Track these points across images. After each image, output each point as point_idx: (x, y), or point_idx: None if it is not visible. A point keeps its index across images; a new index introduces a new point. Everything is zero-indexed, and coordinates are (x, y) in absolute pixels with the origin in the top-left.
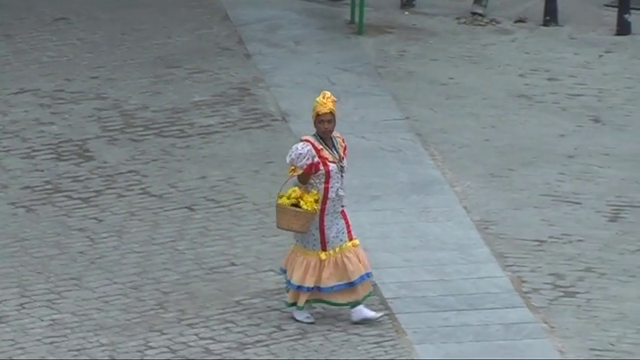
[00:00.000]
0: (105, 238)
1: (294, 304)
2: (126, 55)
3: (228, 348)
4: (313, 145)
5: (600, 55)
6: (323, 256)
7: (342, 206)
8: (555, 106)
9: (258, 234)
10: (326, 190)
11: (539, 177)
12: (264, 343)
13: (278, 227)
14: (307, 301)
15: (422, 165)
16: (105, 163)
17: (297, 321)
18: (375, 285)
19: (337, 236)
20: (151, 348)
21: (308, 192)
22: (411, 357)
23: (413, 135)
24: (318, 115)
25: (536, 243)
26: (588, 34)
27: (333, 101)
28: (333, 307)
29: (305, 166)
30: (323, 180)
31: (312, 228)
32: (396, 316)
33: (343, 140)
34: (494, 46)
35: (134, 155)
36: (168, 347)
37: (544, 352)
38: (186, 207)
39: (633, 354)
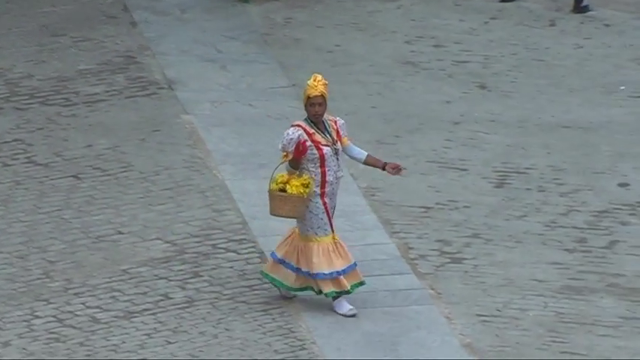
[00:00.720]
0: None
1: (339, 292)
2: (10, 23)
3: (115, 317)
4: (305, 130)
5: (486, 22)
6: (336, 237)
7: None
8: (441, 72)
9: (144, 202)
10: (323, 173)
11: (425, 144)
12: (151, 312)
13: (270, 214)
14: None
15: None
16: None
17: (340, 314)
18: (262, 253)
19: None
20: (38, 317)
21: (298, 176)
22: (299, 325)
23: (299, 102)
24: (309, 97)
25: (423, 209)
26: (474, 0)
27: (325, 84)
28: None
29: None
30: (318, 164)
31: (318, 213)
32: None
33: (335, 122)
34: (380, 13)
35: (19, 124)
36: (54, 316)
37: (431, 318)
38: (72, 176)
39: (519, 319)
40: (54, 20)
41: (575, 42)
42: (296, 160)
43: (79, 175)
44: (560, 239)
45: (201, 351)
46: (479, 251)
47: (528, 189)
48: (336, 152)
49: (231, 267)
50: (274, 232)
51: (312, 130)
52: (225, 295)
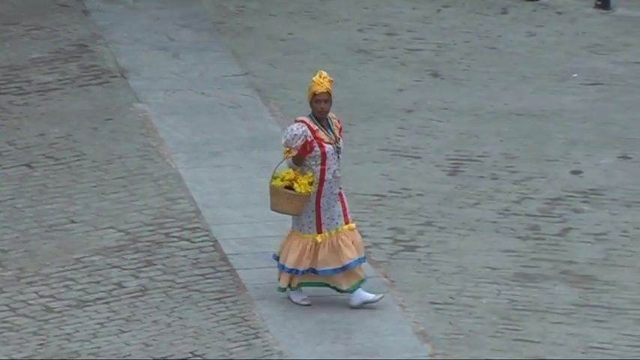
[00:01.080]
0: None
1: (286, 288)
2: None
3: (68, 305)
4: (309, 126)
5: (438, 10)
6: (319, 238)
7: (340, 188)
8: (394, 60)
9: (97, 191)
10: (322, 171)
11: (378, 132)
12: (105, 301)
13: (271, 209)
14: (299, 284)
15: (262, 121)
16: None
17: (294, 302)
18: (215, 241)
19: (333, 219)
20: None
21: (303, 174)
22: (252, 313)
23: (252, 91)
24: (314, 94)
25: (376, 198)
26: None
27: (330, 81)
28: (336, 291)
29: (299, 147)
30: (319, 162)
31: (308, 210)
32: (237, 271)
33: (339, 121)
34: (332, 2)
35: None
36: (7, 305)
37: (385, 306)
38: (24, 164)
39: (473, 307)
40: (6, 9)
41: (528, 30)
42: (300, 157)
43: (32, 164)
44: (513, 227)
45: (154, 340)
46: (432, 239)
47: (481, 177)
48: (337, 150)
49: (184, 255)
50: (227, 221)
51: (315, 127)
52: (178, 283)
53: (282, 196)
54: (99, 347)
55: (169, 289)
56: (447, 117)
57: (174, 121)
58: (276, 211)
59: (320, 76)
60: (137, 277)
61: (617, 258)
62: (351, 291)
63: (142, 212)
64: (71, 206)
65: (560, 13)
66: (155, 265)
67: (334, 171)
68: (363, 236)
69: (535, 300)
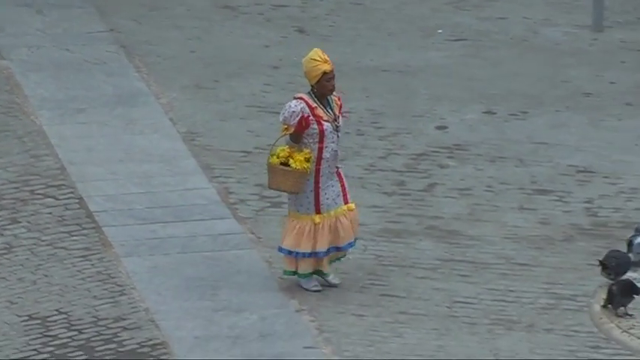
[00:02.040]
0: None
1: (294, 272)
2: None
3: None
4: (307, 103)
5: None
6: (317, 219)
7: (338, 167)
8: (260, 17)
9: None
10: (320, 149)
11: (244, 88)
12: None
13: (269, 188)
14: (312, 273)
15: (127, 77)
16: None
17: (305, 289)
18: (81, 199)
19: (333, 199)
20: None
21: (300, 150)
22: (118, 270)
23: (117, 47)
24: (325, 73)
25: (243, 154)
26: None
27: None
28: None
29: (297, 124)
30: (317, 139)
31: (306, 190)
32: (103, 229)
33: (339, 99)
34: None
35: None
36: None
37: (251, 263)
38: None
39: (339, 263)
40: None
41: None
42: (297, 133)
43: None
44: (379, 182)
45: (19, 297)
46: None
47: (347, 132)
48: (336, 128)
49: (49, 213)
50: (93, 178)
51: (314, 105)
52: (43, 241)
53: (278, 173)
54: None
55: (34, 246)
56: None
57: (39, 77)
58: (275, 189)
59: (323, 54)
60: (2, 235)
61: (481, 213)
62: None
63: (6, 169)
64: None
65: None
66: (20, 222)
67: (333, 150)
68: (229, 193)
69: (401, 255)
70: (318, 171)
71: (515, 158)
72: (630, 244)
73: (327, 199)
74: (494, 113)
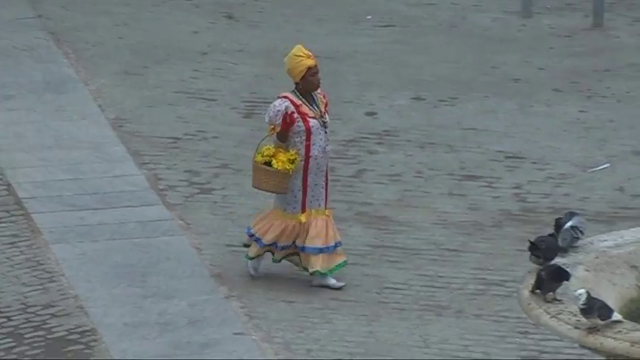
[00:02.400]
0: None
1: (254, 258)
2: None
3: None
4: (292, 101)
5: None
6: (303, 218)
7: (326, 168)
8: (188, 3)
9: None
10: (307, 147)
11: (173, 74)
12: None
13: (253, 186)
14: (282, 258)
15: (56, 64)
16: None
17: (325, 285)
18: (9, 185)
19: (317, 199)
20: None
21: (285, 151)
22: (47, 257)
23: (46, 33)
24: (309, 68)
25: (172, 140)
26: None
27: None
28: (300, 270)
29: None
30: (304, 137)
31: (294, 189)
32: (32, 215)
33: (324, 96)
34: None
35: None
36: None
37: (180, 249)
38: None
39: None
40: None
41: None
42: (283, 132)
43: None
44: None
45: None
46: (228, 181)
47: None
48: (324, 125)
49: None
50: (22, 164)
51: (299, 102)
52: None
53: (260, 172)
54: None
55: None
56: (242, 59)
57: None
58: (258, 188)
59: (305, 50)
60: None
61: (411, 199)
62: (326, 274)
63: None
64: None
65: None
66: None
67: (321, 147)
68: (158, 179)
69: None
70: (306, 169)
71: (444, 144)
72: (558, 226)
73: (312, 197)
74: (424, 99)
